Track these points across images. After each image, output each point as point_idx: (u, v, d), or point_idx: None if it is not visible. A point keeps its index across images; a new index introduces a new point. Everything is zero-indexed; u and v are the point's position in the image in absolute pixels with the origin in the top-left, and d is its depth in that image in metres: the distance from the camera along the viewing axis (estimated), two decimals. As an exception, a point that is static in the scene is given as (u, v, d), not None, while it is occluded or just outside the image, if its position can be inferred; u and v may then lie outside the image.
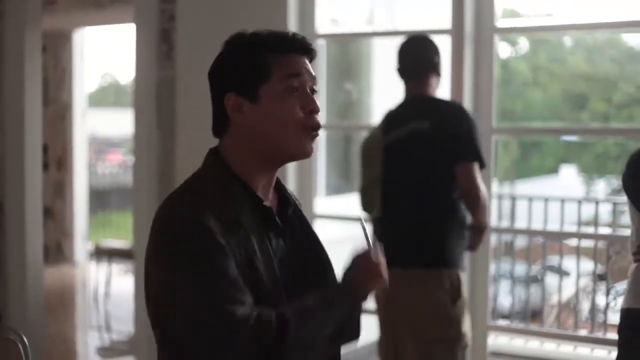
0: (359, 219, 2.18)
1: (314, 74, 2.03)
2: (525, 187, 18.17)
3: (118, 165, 21.32)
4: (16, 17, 6.02)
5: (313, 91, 2.02)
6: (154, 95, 5.47)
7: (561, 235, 7.26)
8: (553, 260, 8.95)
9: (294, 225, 2.10)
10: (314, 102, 1.99)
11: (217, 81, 2.04)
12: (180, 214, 1.90)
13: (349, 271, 2.01)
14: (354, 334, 2.00)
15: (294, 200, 2.13)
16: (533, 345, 6.97)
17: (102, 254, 8.84)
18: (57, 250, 11.11)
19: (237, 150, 2.01)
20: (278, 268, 1.96)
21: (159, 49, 5.45)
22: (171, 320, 1.88)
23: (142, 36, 5.52)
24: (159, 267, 1.90)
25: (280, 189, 2.12)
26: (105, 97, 28.79)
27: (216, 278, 1.83)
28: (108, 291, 8.71)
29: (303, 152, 2.00)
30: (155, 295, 1.93)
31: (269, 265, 1.94)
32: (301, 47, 2.01)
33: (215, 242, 1.85)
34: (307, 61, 2.02)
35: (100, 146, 23.16)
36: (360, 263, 2.01)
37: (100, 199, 17.97)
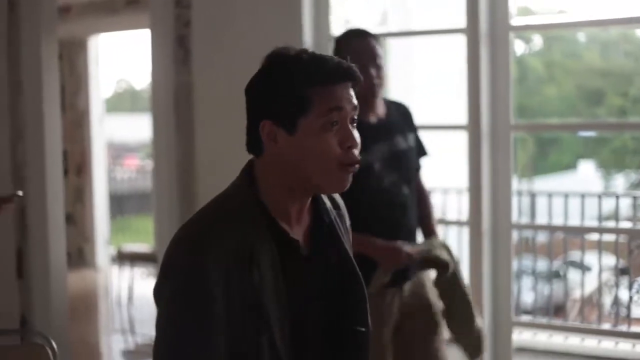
0: None
1: (355, 103, 1.94)
2: (543, 183, 18.12)
3: (135, 170, 21.38)
4: (32, 25, 6.06)
5: (354, 121, 1.94)
6: (172, 101, 5.50)
7: (582, 230, 7.24)
8: (575, 255, 8.94)
9: (325, 244, 2.05)
10: (353, 138, 1.91)
11: (253, 104, 1.97)
12: (185, 255, 1.88)
13: None
14: None
15: (329, 216, 2.07)
16: (557, 340, 6.98)
17: (124, 258, 8.87)
18: (79, 255, 11.17)
19: (267, 177, 1.96)
20: (298, 292, 1.95)
21: (175, 54, 5.47)
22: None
23: (157, 42, 5.55)
24: (158, 305, 1.92)
25: (316, 202, 2.06)
26: (121, 102, 28.82)
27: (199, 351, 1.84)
28: (131, 295, 8.75)
29: (337, 188, 1.96)
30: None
31: (280, 298, 1.91)
32: (346, 75, 1.91)
33: (207, 307, 1.84)
34: (350, 89, 1.93)
35: (117, 151, 23.21)
36: None
37: (118, 203, 18.04)
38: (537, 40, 21.37)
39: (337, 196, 2.16)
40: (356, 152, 1.93)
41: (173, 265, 1.88)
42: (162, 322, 1.88)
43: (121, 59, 31.21)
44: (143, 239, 12.66)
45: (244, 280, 1.85)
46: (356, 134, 1.94)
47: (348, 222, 2.16)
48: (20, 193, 3.95)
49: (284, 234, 1.94)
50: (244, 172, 2.01)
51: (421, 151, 4.02)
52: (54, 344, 3.33)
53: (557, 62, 21.12)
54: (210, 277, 1.82)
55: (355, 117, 1.95)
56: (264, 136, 1.92)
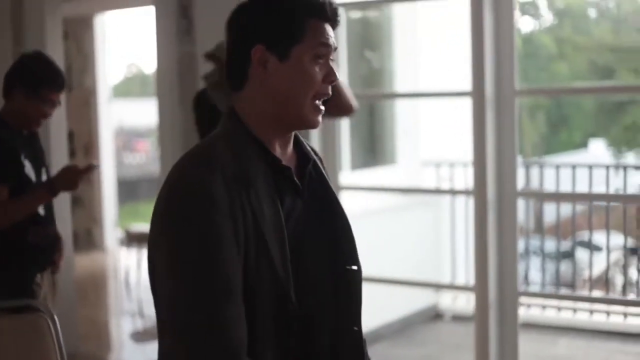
0: None
1: (336, 45, 2.05)
2: (554, 161, 18.08)
3: (146, 156, 21.41)
4: (35, 2, 6.04)
5: (331, 60, 2.03)
6: (176, 72, 5.48)
7: (590, 197, 7.16)
8: (583, 235, 8.89)
9: (313, 182, 2.08)
10: (335, 74, 2.01)
11: (246, 29, 2.00)
12: (188, 181, 1.87)
13: None
14: None
15: (313, 156, 2.11)
16: (565, 315, 6.94)
17: (132, 239, 8.85)
18: (87, 237, 11.16)
19: (253, 107, 1.98)
20: (293, 227, 1.95)
21: (179, 25, 5.44)
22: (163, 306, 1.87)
23: (161, 13, 5.53)
24: (160, 246, 1.88)
25: (298, 144, 2.10)
26: (131, 87, 28.86)
27: (213, 278, 1.81)
28: (139, 277, 8.74)
29: (314, 119, 2.00)
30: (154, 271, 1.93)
31: (278, 229, 1.91)
32: (332, 15, 2.00)
33: (218, 224, 1.82)
34: (332, 31, 2.03)
35: (128, 136, 23.25)
36: None
37: (129, 189, 18.09)
38: (547, 17, 21.30)
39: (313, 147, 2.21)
40: (330, 89, 2.01)
41: (179, 178, 1.88)
42: (170, 229, 1.85)
43: (130, 41, 31.17)
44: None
45: (244, 203, 1.87)
46: (337, 72, 2.03)
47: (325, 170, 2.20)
48: (95, 163, 4.13)
49: (276, 161, 1.98)
50: (226, 113, 2.03)
51: None
52: (55, 317, 3.28)
53: (568, 39, 21.03)
54: (217, 190, 1.83)
55: (333, 58, 2.03)
56: (255, 61, 1.96)
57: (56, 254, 4.05)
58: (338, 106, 3.95)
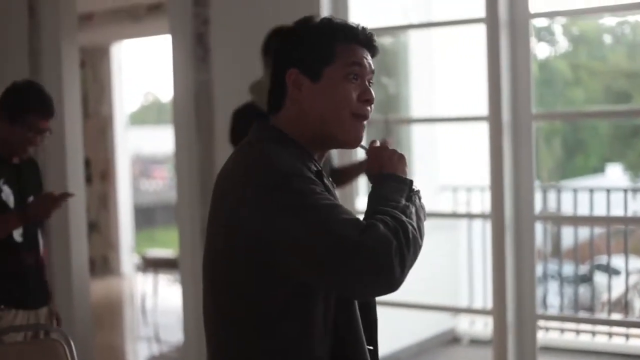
0: None
1: (373, 68, 2.11)
2: (571, 185, 18.03)
3: (163, 183, 21.46)
4: (52, 31, 6.09)
5: (370, 84, 2.10)
6: (192, 100, 5.49)
7: (607, 220, 7.13)
8: (601, 259, 8.84)
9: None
10: (370, 92, 2.08)
11: (282, 55, 2.11)
12: (277, 162, 1.93)
13: (380, 169, 2.08)
14: (424, 211, 2.06)
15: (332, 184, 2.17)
16: (584, 339, 6.91)
17: (148, 264, 8.86)
18: (104, 263, 11.19)
19: (291, 126, 2.07)
20: None
21: (195, 53, 5.47)
22: (309, 253, 1.85)
23: (177, 42, 5.55)
24: (272, 208, 1.89)
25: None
26: (148, 115, 28.95)
27: (333, 201, 1.89)
28: (155, 302, 8.74)
29: (350, 138, 2.08)
30: (269, 237, 1.90)
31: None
32: (366, 40, 2.09)
33: (315, 180, 1.93)
34: (369, 55, 2.11)
35: (146, 164, 23.31)
36: (381, 156, 2.10)
37: (146, 215, 18.12)
38: (563, 43, 21.29)
39: None
40: (369, 108, 2.08)
41: (271, 165, 1.93)
42: (299, 212, 1.87)
43: (146, 70, 31.29)
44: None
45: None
46: (373, 93, 2.10)
47: None
48: (71, 192, 3.96)
49: (320, 172, 2.04)
50: (259, 126, 2.12)
51: None
52: (71, 341, 3.29)
53: (583, 64, 21.01)
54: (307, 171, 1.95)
55: (372, 82, 2.11)
56: (290, 83, 2.06)
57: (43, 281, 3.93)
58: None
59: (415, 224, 1.90)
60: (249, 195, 1.92)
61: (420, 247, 1.90)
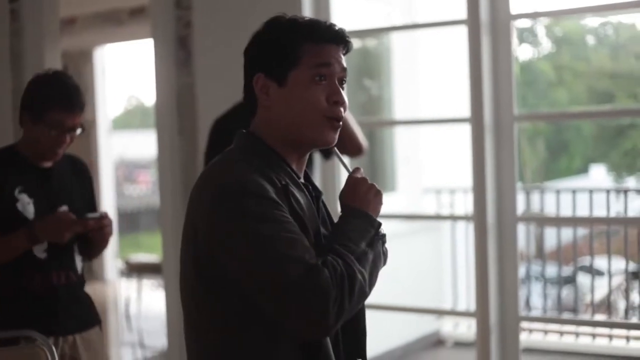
0: (334, 151, 2.17)
1: (345, 65, 2.05)
2: (554, 187, 18.08)
3: (147, 187, 21.40)
4: (34, 34, 6.06)
5: (342, 82, 2.04)
6: (175, 103, 5.48)
7: (590, 221, 7.15)
8: (585, 260, 8.87)
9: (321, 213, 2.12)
10: (339, 93, 2.01)
11: (249, 60, 2.07)
12: (235, 175, 1.90)
13: (353, 202, 2.01)
14: (386, 258, 2.02)
15: (321, 190, 2.15)
16: (568, 340, 6.92)
17: (132, 270, 8.83)
18: (88, 268, 11.07)
19: (265, 131, 2.04)
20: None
21: (177, 56, 5.45)
22: (247, 270, 1.85)
23: (159, 45, 5.53)
24: (223, 220, 1.88)
25: (307, 177, 2.14)
26: (131, 119, 28.90)
27: (287, 228, 1.85)
28: (139, 307, 8.71)
29: (323, 141, 2.03)
30: (223, 248, 1.89)
31: (315, 226, 1.98)
32: (335, 37, 2.03)
33: (274, 199, 1.88)
34: (340, 53, 2.04)
35: (129, 168, 23.26)
36: (358, 189, 2.03)
37: (129, 220, 18.07)
38: (546, 44, 21.36)
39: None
40: (342, 109, 2.02)
41: (227, 178, 1.91)
42: (244, 224, 1.85)
43: (130, 74, 31.27)
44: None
45: (286, 200, 1.93)
46: (344, 93, 2.03)
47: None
48: (97, 216, 3.38)
49: (296, 177, 2.03)
50: (240, 135, 2.08)
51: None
52: (54, 348, 3.26)
53: (566, 65, 21.09)
54: (264, 183, 1.90)
55: (345, 80, 2.05)
56: (257, 89, 2.02)
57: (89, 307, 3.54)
58: (346, 148, 3.93)
59: (367, 274, 1.87)
60: (205, 207, 1.91)
61: (366, 296, 1.88)
